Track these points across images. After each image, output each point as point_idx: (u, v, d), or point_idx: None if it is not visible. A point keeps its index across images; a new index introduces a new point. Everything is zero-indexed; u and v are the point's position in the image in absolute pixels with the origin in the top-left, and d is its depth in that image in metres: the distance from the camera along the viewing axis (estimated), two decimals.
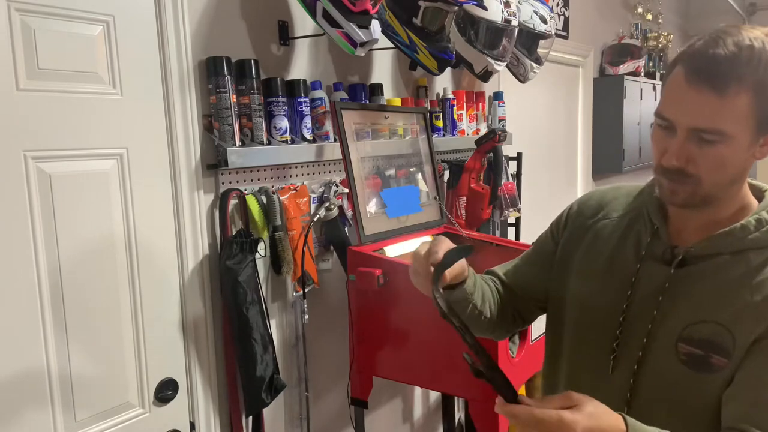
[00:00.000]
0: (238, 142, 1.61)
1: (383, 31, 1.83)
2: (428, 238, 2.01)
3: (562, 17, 3.57)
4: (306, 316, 1.82)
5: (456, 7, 2.00)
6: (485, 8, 2.09)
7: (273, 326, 1.81)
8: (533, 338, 1.75)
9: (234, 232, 1.62)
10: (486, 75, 2.24)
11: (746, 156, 0.88)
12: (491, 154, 2.35)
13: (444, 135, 2.43)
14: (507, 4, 2.12)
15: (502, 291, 1.18)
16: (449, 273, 0.95)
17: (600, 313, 1.01)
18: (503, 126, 2.78)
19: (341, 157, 1.78)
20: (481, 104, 2.68)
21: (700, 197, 0.90)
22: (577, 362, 1.06)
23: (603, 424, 0.78)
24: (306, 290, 1.80)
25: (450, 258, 0.91)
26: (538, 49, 2.54)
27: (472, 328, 1.09)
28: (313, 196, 1.89)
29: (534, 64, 2.51)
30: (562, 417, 0.76)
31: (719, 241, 0.92)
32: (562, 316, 1.09)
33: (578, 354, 1.05)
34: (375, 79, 2.19)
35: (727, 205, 0.94)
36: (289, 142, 1.76)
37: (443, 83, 2.55)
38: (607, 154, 4.17)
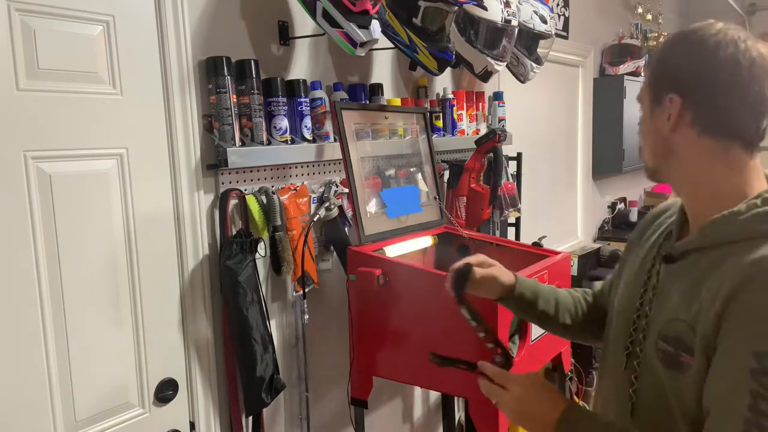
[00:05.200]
0: (238, 142, 1.61)
1: (383, 31, 1.83)
2: (428, 239, 2.01)
3: (562, 17, 3.57)
4: (306, 316, 1.82)
5: (456, 7, 2.00)
6: (485, 8, 2.09)
7: (273, 326, 1.81)
8: (533, 338, 1.74)
9: (234, 232, 1.62)
10: (486, 75, 2.24)
11: (656, 126, 0.94)
12: (491, 154, 2.35)
13: (444, 135, 2.43)
14: (507, 4, 2.12)
15: (589, 305, 1.29)
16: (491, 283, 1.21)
17: (622, 312, 1.05)
18: (503, 126, 2.77)
19: (341, 157, 1.78)
20: (481, 104, 2.68)
21: (648, 169, 0.99)
22: (606, 361, 1.10)
23: (534, 409, 1.00)
24: (306, 290, 1.80)
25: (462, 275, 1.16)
26: (538, 49, 2.54)
27: (549, 330, 1.33)
28: (313, 196, 1.89)
29: (534, 64, 2.51)
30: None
31: (696, 236, 0.92)
32: (606, 323, 1.14)
33: (606, 353, 1.10)
34: (375, 79, 2.19)
35: (708, 198, 0.92)
36: (289, 142, 1.76)
37: (443, 83, 2.55)
38: (607, 154, 4.16)
